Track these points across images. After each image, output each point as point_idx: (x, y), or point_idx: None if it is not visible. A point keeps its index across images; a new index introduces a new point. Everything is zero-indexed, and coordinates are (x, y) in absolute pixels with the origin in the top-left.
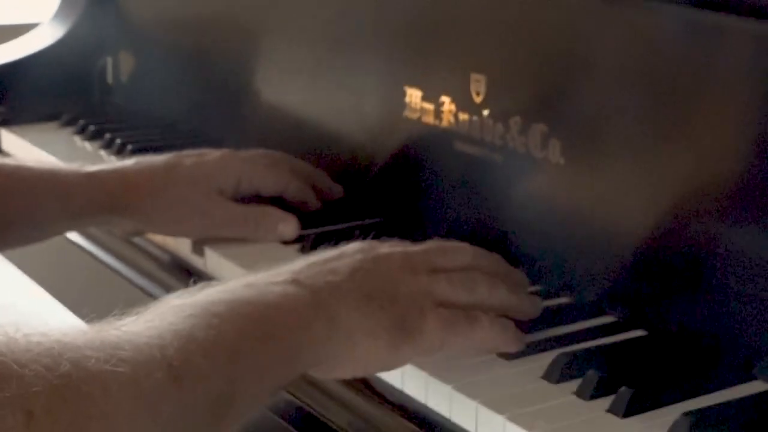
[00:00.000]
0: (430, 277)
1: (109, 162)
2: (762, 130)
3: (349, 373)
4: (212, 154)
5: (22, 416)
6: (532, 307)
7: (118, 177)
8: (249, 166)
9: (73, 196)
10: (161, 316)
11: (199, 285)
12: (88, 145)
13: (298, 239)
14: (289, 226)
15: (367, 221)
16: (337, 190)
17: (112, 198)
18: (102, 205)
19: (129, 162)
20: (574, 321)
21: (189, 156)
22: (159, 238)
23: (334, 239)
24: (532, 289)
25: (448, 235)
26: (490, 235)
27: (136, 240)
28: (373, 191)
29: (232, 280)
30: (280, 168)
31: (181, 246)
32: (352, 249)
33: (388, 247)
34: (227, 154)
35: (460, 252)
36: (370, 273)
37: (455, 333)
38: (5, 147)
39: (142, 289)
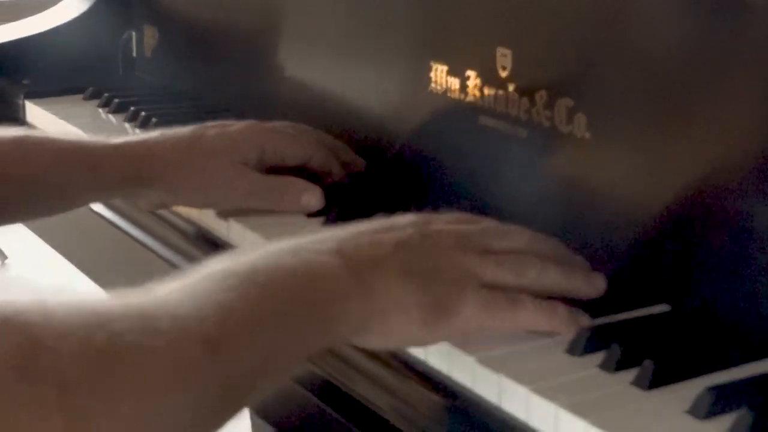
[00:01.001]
0: (479, 258)
1: (134, 135)
2: None
3: (380, 345)
4: (236, 125)
5: (55, 388)
6: (588, 287)
7: (144, 149)
8: (273, 136)
9: (100, 168)
10: (203, 284)
11: (241, 249)
12: (112, 118)
13: (322, 211)
14: (314, 197)
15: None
16: (360, 162)
17: (138, 170)
18: (128, 177)
19: (154, 134)
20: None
21: (213, 127)
22: (184, 210)
23: (359, 213)
24: None
25: (470, 209)
26: (514, 210)
27: (161, 212)
28: (398, 165)
29: (277, 245)
30: (304, 138)
31: (206, 217)
32: (405, 222)
33: (442, 223)
34: (251, 124)
35: (516, 234)
36: (416, 249)
37: (494, 316)
38: (30, 119)
39: (167, 261)
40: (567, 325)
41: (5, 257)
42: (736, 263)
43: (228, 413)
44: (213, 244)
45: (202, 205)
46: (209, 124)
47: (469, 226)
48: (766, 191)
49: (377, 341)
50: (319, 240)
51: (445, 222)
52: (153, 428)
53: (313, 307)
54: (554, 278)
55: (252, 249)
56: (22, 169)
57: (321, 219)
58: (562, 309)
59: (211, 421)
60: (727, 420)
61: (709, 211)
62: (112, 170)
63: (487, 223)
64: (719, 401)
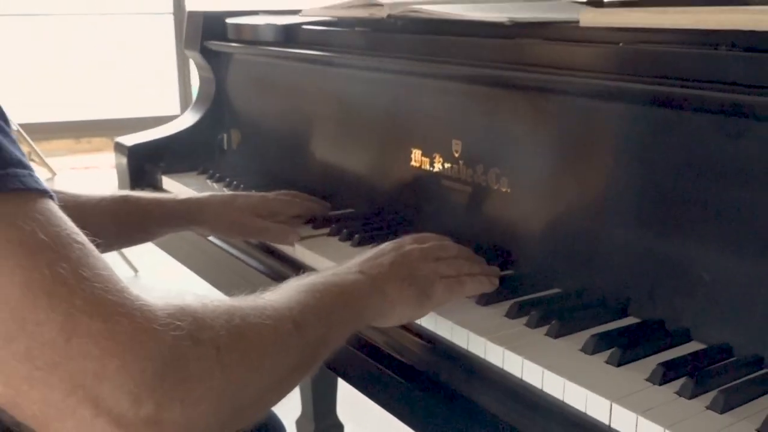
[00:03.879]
0: (435, 263)
1: (195, 194)
2: (623, 168)
3: (393, 323)
4: (254, 195)
5: (214, 350)
6: (491, 271)
7: (197, 205)
8: (274, 200)
9: (171, 215)
10: (287, 291)
11: (307, 273)
12: (214, 185)
13: (349, 238)
14: (294, 237)
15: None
16: (327, 206)
17: (193, 217)
18: (188, 220)
19: (205, 194)
20: (519, 284)
21: (241, 195)
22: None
23: (371, 240)
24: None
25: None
26: (463, 236)
27: (257, 243)
28: (391, 211)
29: (325, 271)
30: (294, 200)
31: (280, 245)
32: (388, 247)
33: (408, 245)
34: (263, 195)
35: (451, 247)
36: (402, 264)
37: (453, 292)
38: (165, 187)
39: (259, 270)
40: (489, 287)
41: (136, 270)
42: (601, 261)
43: (306, 370)
44: (286, 260)
45: (229, 237)
46: (239, 193)
47: (424, 245)
48: (618, 219)
49: (391, 321)
50: (348, 266)
51: (409, 243)
52: (269, 376)
53: (350, 303)
54: (475, 268)
55: (309, 274)
56: (126, 217)
57: (350, 242)
58: (485, 281)
59: (296, 376)
60: (605, 354)
61: (582, 230)
62: (177, 216)
63: (433, 241)
64: (600, 343)
